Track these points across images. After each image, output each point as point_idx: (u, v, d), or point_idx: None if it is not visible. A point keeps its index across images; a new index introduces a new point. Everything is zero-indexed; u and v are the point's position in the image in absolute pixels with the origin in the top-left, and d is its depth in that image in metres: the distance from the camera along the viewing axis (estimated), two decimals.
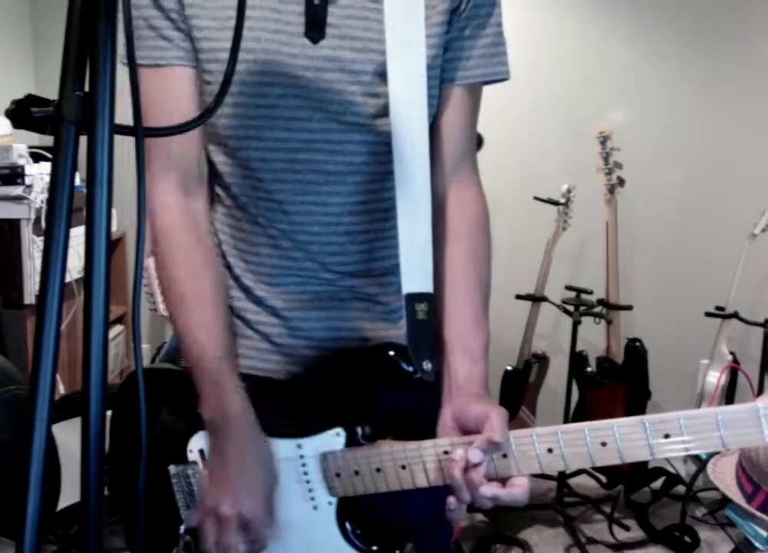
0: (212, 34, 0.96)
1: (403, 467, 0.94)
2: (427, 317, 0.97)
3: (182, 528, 1.04)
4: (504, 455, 0.87)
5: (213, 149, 1.03)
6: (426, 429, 0.95)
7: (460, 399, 0.94)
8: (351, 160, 1.00)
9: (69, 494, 1.83)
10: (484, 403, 0.92)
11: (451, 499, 0.89)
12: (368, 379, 0.99)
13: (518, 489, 0.87)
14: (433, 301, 0.99)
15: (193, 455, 1.05)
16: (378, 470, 0.95)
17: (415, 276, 0.97)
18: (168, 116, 0.96)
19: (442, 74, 1.01)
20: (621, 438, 0.83)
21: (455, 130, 1.04)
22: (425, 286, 0.98)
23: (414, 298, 0.97)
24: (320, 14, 0.95)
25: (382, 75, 0.96)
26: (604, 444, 0.83)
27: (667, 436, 0.82)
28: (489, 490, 0.86)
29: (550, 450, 0.85)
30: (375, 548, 1.00)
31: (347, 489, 0.98)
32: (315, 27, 0.95)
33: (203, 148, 1.03)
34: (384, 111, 0.97)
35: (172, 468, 1.05)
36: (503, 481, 0.88)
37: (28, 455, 0.58)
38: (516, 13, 3.07)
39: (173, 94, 0.98)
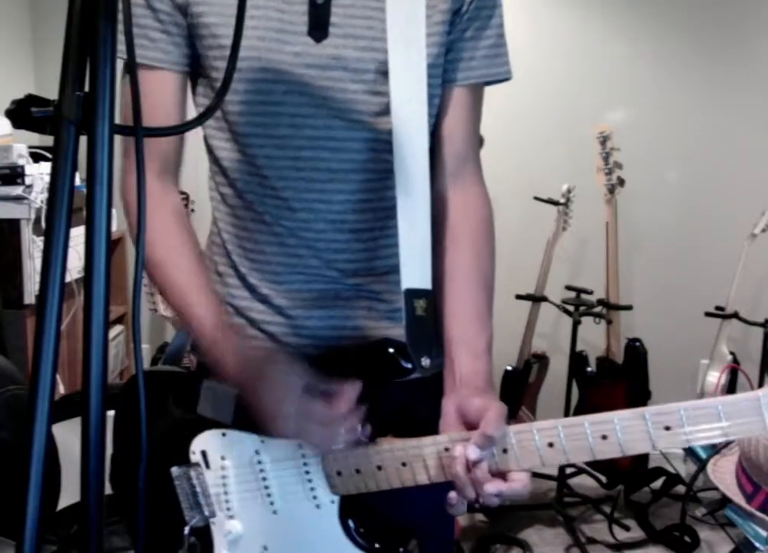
0: (218, 30, 0.97)
1: (404, 464, 0.93)
2: (425, 314, 0.97)
3: (186, 530, 1.04)
4: (505, 450, 0.87)
5: (221, 145, 1.04)
6: (426, 426, 0.95)
7: (462, 392, 0.94)
8: (354, 158, 1.00)
9: (69, 494, 1.83)
10: (485, 397, 0.92)
11: (452, 494, 0.89)
12: (367, 376, 0.99)
13: (518, 483, 0.87)
14: (432, 297, 0.99)
15: (195, 456, 1.04)
16: (379, 468, 0.95)
17: (414, 272, 0.98)
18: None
19: (445, 74, 1.02)
20: (622, 431, 0.83)
21: (458, 130, 1.05)
22: (424, 282, 0.98)
23: (413, 294, 0.97)
24: (323, 14, 0.96)
25: (384, 74, 0.97)
26: (604, 437, 0.83)
27: (667, 428, 0.81)
28: (494, 487, 0.86)
29: (551, 444, 0.85)
30: (378, 545, 1.00)
31: (349, 488, 0.98)
32: (318, 26, 0.96)
33: (184, 141, 1.04)
34: (386, 110, 0.98)
35: (174, 470, 1.05)
36: (504, 476, 0.88)
37: (28, 455, 0.58)
38: (516, 13, 3.07)
39: (144, 95, 0.98)
